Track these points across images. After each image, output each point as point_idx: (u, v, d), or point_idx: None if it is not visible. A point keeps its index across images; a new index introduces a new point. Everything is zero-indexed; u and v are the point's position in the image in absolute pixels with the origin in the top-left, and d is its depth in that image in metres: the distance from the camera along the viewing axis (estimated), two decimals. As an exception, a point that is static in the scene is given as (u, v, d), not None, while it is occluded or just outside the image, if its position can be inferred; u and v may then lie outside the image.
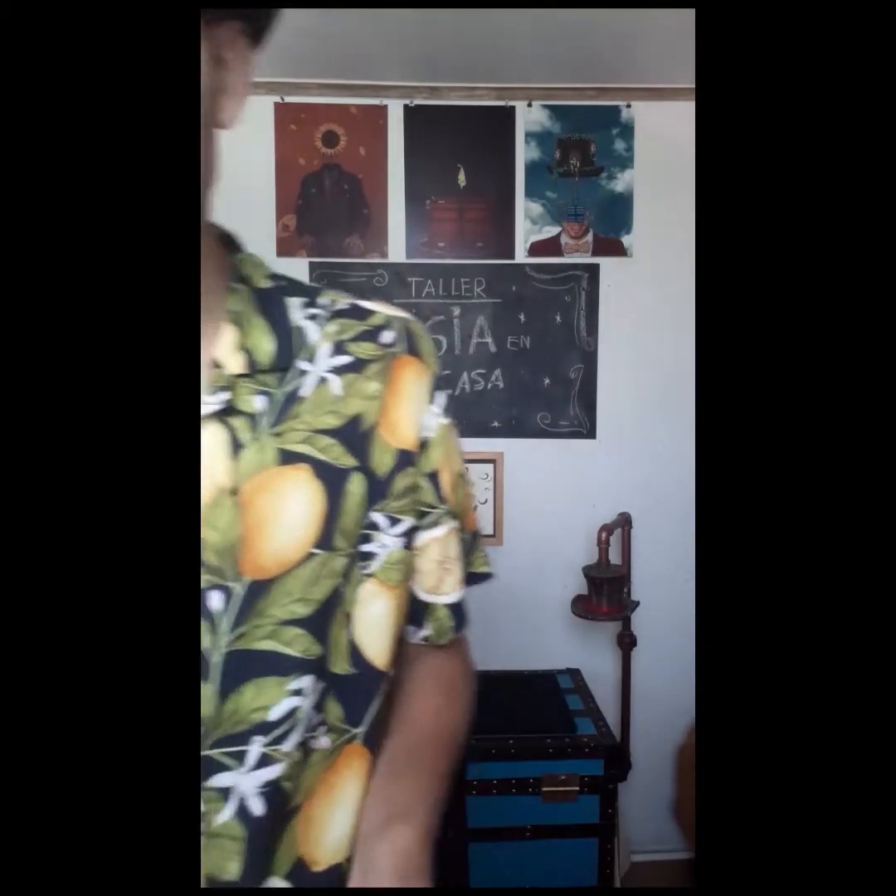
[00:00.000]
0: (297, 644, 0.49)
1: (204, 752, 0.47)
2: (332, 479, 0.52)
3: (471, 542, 0.66)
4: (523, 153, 1.95)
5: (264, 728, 0.48)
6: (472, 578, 0.65)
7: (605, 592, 1.73)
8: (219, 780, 0.47)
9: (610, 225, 1.97)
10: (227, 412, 0.49)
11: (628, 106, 1.94)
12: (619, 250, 1.97)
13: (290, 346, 0.53)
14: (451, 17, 1.54)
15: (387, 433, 0.55)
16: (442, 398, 0.59)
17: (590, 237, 1.97)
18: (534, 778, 1.61)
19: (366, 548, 0.54)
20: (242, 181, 1.90)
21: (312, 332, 0.55)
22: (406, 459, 0.56)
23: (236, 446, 0.49)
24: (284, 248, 1.94)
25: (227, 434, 0.49)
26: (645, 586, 1.95)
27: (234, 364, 0.50)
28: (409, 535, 0.57)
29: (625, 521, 1.89)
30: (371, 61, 1.79)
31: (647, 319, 1.98)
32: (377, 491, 0.55)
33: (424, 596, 0.61)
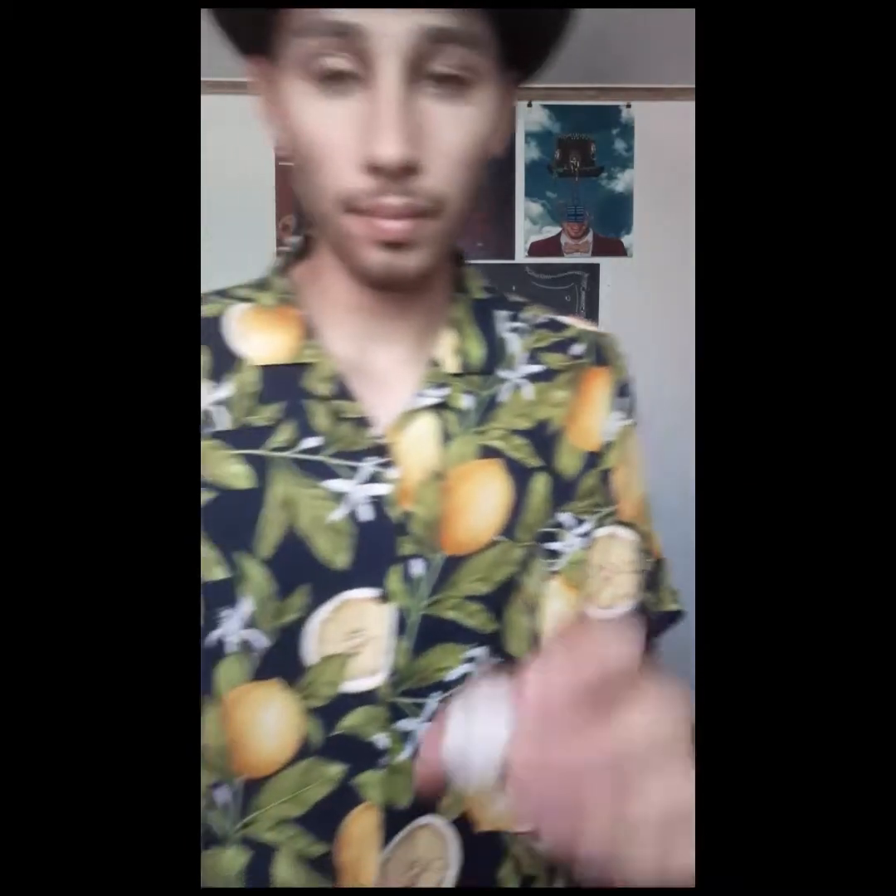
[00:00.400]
0: (475, 618, 0.55)
1: (392, 699, 0.54)
2: (520, 476, 0.57)
3: (655, 573, 0.64)
4: (523, 153, 1.95)
5: (442, 686, 0.55)
6: (661, 620, 0.62)
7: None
8: (402, 724, 0.54)
9: (610, 225, 1.97)
10: (441, 406, 0.56)
11: (628, 106, 1.94)
12: (619, 250, 1.98)
13: (494, 354, 0.59)
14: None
15: (574, 437, 0.60)
16: (626, 403, 0.63)
17: (590, 237, 1.97)
18: (534, 778, 1.61)
19: (553, 546, 0.58)
20: (242, 181, 1.89)
21: (513, 343, 0.61)
22: (591, 462, 0.60)
23: (446, 437, 0.56)
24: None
25: (440, 425, 0.56)
26: (645, 586, 1.95)
27: (451, 364, 0.57)
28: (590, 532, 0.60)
29: (625, 522, 1.89)
30: (371, 61, 1.79)
31: (648, 319, 1.98)
32: (564, 492, 0.59)
33: (587, 608, 0.60)
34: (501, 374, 0.59)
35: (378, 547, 0.53)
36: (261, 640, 0.53)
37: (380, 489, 0.54)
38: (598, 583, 0.60)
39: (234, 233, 1.92)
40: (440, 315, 0.58)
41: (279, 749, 0.53)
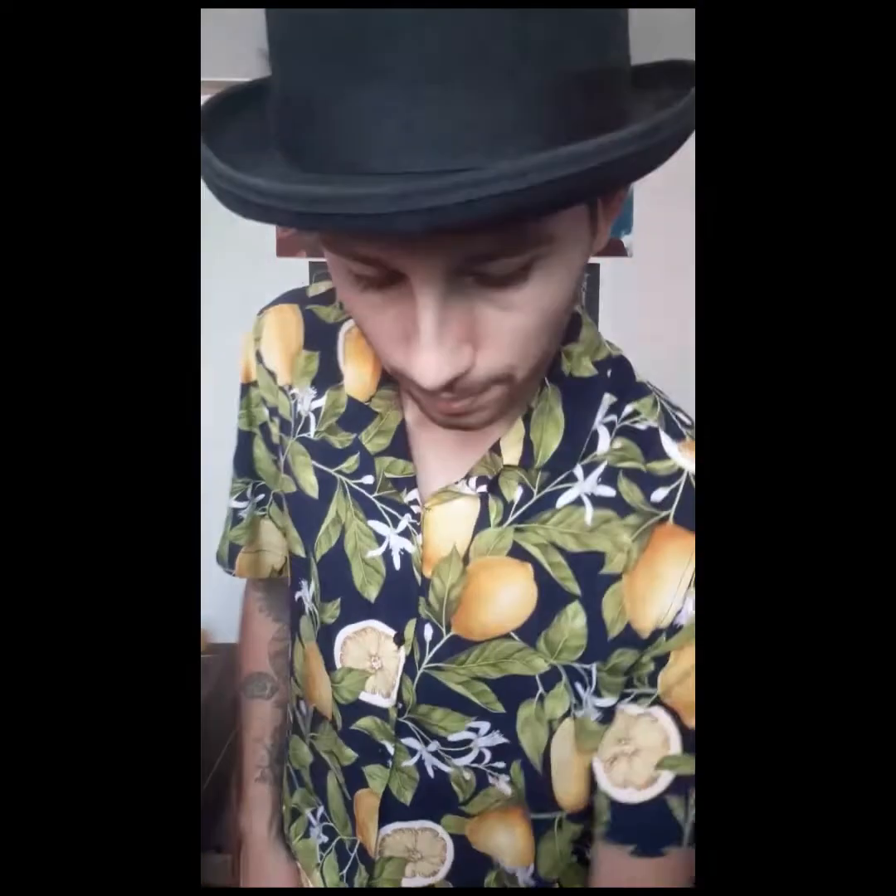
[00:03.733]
0: (482, 697, 0.54)
1: (402, 719, 0.57)
2: (549, 592, 0.52)
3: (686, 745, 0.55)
4: (523, 153, 1.94)
5: (444, 742, 0.56)
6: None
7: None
8: (408, 741, 0.58)
9: (610, 225, 1.97)
10: (488, 491, 0.52)
11: (628, 106, 1.94)
12: (619, 250, 1.97)
13: (576, 452, 0.51)
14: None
15: (628, 601, 0.51)
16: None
17: (590, 237, 1.97)
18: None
19: (577, 688, 0.53)
20: (242, 181, 1.89)
21: (603, 441, 0.52)
22: (634, 640, 0.51)
23: (482, 524, 0.52)
24: (285, 249, 1.94)
25: (479, 511, 0.52)
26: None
27: (510, 456, 0.51)
28: (609, 711, 0.54)
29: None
30: (371, 61, 1.78)
31: (648, 319, 1.98)
32: (597, 644, 0.52)
33: (596, 772, 0.55)
34: (576, 473, 0.51)
35: (401, 596, 0.55)
36: (317, 619, 0.60)
37: (409, 546, 0.54)
38: (615, 755, 0.54)
39: (234, 234, 1.91)
40: (517, 404, 0.51)
41: (323, 704, 0.61)
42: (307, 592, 0.61)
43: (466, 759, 0.56)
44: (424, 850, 0.60)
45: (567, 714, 0.54)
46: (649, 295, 1.97)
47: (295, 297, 0.63)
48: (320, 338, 0.60)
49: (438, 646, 0.54)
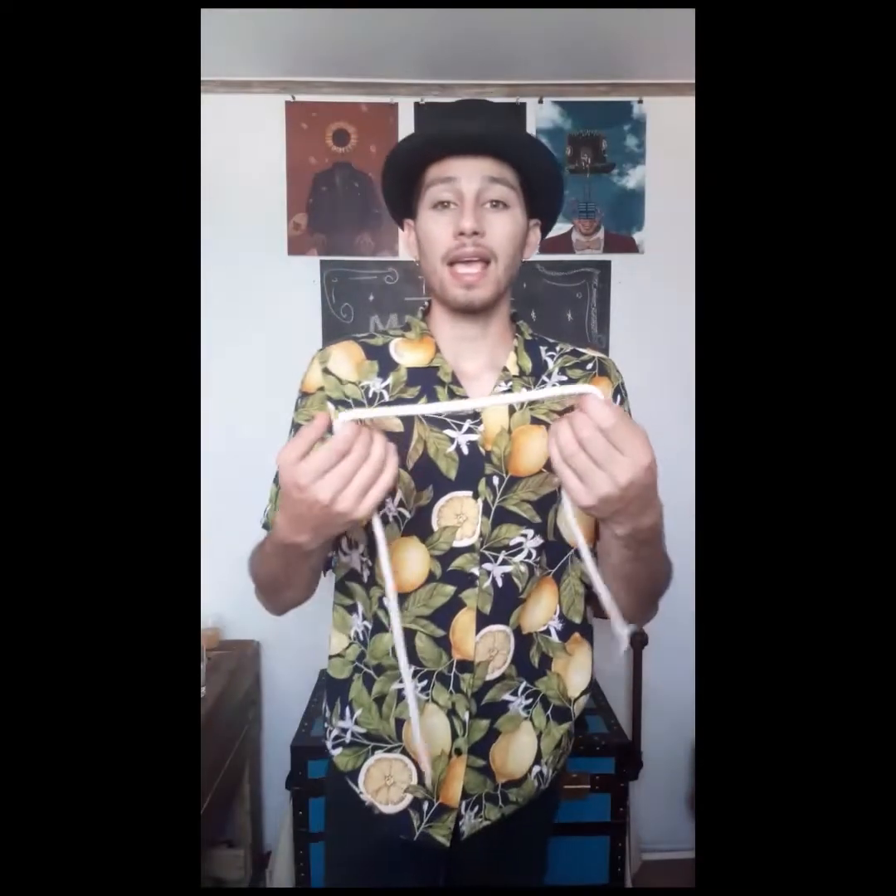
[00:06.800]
0: (527, 511, 0.96)
1: (482, 550, 0.95)
2: None
3: None
4: (534, 150, 1.94)
5: (507, 548, 0.96)
6: None
7: (617, 590, 1.73)
8: (487, 565, 0.95)
9: (621, 221, 1.96)
10: (509, 392, 0.98)
11: (640, 101, 1.93)
12: (630, 247, 1.97)
13: (539, 367, 1.03)
14: (461, 15, 1.54)
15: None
16: (619, 398, 1.04)
17: (601, 234, 1.96)
18: (544, 776, 1.61)
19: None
20: (254, 180, 1.90)
21: (550, 363, 1.04)
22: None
23: (512, 410, 0.98)
24: (296, 247, 1.95)
25: (508, 405, 0.98)
26: (657, 584, 1.94)
27: (513, 370, 1.00)
28: None
29: (636, 519, 1.88)
30: (381, 59, 1.79)
31: (659, 316, 1.98)
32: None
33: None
34: (544, 379, 1.02)
35: (472, 468, 0.95)
36: (405, 514, 0.95)
37: (473, 437, 0.96)
38: None
39: (247, 232, 1.92)
40: (504, 346, 1.03)
41: (416, 576, 0.95)
42: (392, 505, 0.95)
43: (521, 556, 0.97)
44: (499, 646, 0.97)
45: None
46: (661, 291, 1.97)
47: (349, 338, 1.05)
48: (375, 353, 1.02)
49: (503, 486, 0.95)
